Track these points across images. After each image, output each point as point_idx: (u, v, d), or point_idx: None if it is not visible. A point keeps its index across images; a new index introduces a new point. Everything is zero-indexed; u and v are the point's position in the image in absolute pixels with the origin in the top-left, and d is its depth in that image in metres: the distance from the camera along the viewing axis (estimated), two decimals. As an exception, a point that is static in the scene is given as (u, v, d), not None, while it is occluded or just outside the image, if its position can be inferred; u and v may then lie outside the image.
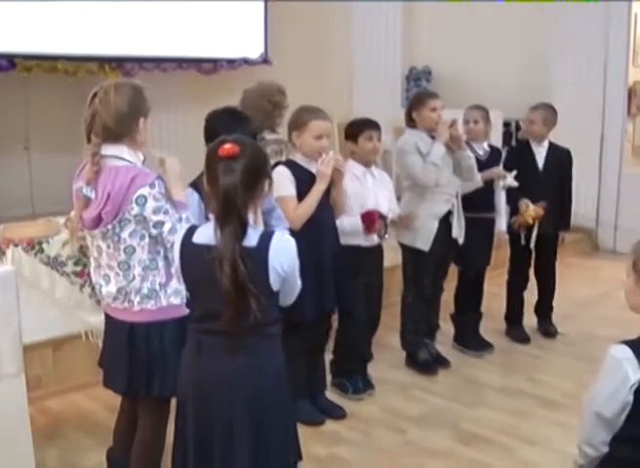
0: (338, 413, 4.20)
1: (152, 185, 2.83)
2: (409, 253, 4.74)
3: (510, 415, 4.28)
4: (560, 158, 5.36)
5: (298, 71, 8.27)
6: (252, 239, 2.44)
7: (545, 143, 5.33)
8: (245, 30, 8.09)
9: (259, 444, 2.54)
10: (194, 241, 2.51)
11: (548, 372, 4.91)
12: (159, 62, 7.41)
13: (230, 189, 2.38)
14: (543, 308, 5.61)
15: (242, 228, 2.40)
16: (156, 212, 2.84)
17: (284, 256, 2.48)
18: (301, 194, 3.77)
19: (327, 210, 3.89)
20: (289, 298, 2.64)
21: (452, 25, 8.89)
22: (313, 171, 3.81)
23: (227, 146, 2.41)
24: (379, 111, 8.32)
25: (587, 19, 7.89)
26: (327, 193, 3.85)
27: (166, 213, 2.85)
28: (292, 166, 3.84)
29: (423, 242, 4.62)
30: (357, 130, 4.32)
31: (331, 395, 4.38)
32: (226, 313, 2.41)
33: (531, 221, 5.15)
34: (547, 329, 5.58)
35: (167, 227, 2.85)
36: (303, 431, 3.93)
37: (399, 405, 4.39)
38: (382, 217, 4.22)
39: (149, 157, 3.02)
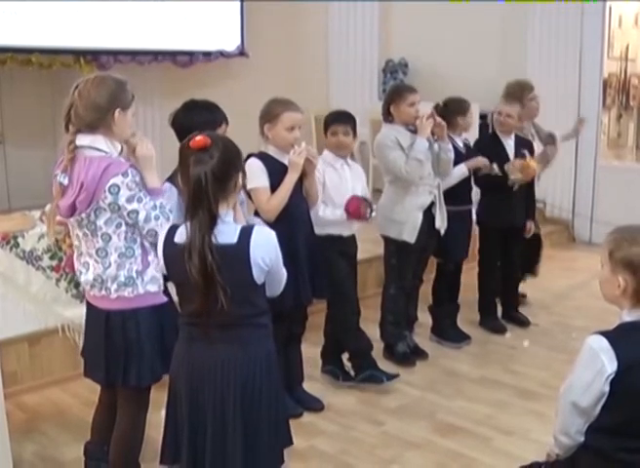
0: (315, 406, 4.21)
1: (125, 174, 2.84)
2: (393, 245, 4.75)
3: (487, 406, 4.30)
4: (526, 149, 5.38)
5: (274, 63, 8.28)
6: (231, 235, 2.46)
7: (512, 135, 5.36)
8: (221, 23, 8.06)
9: (250, 429, 2.58)
10: (175, 241, 2.53)
11: (525, 363, 4.94)
12: (135, 55, 7.37)
13: (200, 179, 2.40)
14: (510, 298, 5.67)
15: (211, 220, 2.42)
16: (130, 200, 2.85)
17: (265, 250, 2.50)
18: (274, 186, 3.76)
19: (300, 200, 3.89)
20: (276, 289, 2.69)
21: (428, 18, 8.88)
22: (285, 162, 3.81)
23: (198, 138, 2.44)
24: (355, 103, 8.38)
25: (563, 11, 7.92)
26: (300, 184, 3.86)
27: (140, 201, 2.87)
28: (264, 158, 3.83)
29: (410, 234, 4.64)
30: (325, 124, 4.34)
31: (322, 382, 4.44)
32: (195, 303, 2.45)
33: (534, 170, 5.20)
34: (519, 317, 5.64)
35: (142, 216, 2.87)
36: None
37: (377, 396, 4.39)
38: (365, 200, 4.23)
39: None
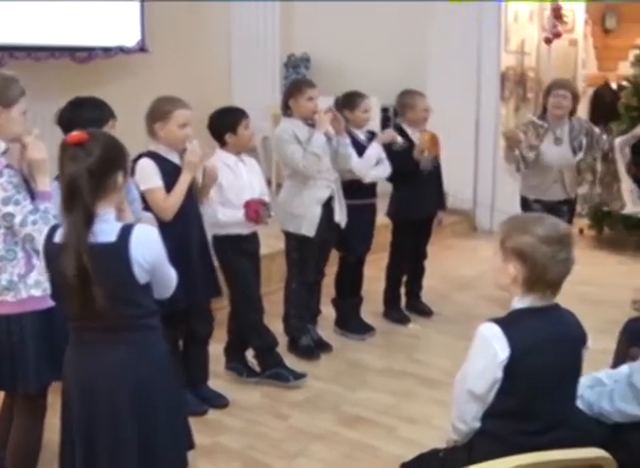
0: (220, 402, 4.19)
1: (0, 174, 2.75)
2: (294, 240, 4.76)
3: (392, 396, 4.36)
4: None
5: (176, 59, 8.17)
6: (110, 234, 2.41)
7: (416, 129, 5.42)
8: (121, 18, 7.90)
9: (145, 434, 2.53)
10: (55, 240, 2.47)
11: (428, 352, 5.02)
12: (31, 51, 7.15)
13: (75, 176, 2.36)
14: (415, 288, 5.75)
15: (87, 218, 2.37)
16: (5, 202, 2.77)
17: (146, 248, 2.46)
18: (167, 185, 3.72)
19: (192, 199, 3.85)
20: (165, 291, 2.63)
21: (331, 12, 8.92)
22: (176, 161, 3.79)
23: (74, 134, 2.39)
24: (257, 98, 8.35)
25: (461, 7, 8.04)
26: (191, 184, 3.81)
27: (17, 203, 2.78)
28: (155, 157, 3.78)
29: (308, 228, 4.65)
30: (226, 121, 4.29)
31: (226, 379, 4.43)
32: (71, 303, 2.40)
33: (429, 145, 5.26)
34: (421, 307, 5.72)
35: (18, 219, 2.78)
36: (187, 421, 3.92)
37: (282, 390, 4.40)
38: (263, 204, 4.22)
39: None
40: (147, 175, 3.64)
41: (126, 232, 2.43)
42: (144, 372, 2.53)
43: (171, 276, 2.64)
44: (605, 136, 5.53)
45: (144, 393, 2.53)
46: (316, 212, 4.66)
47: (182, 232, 3.67)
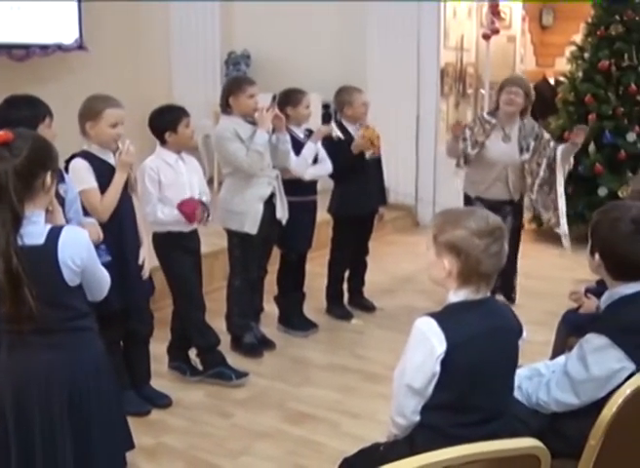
0: (163, 402, 4.17)
1: None
2: (236, 237, 4.74)
3: (336, 392, 4.38)
4: None
5: (115, 57, 8.07)
6: (38, 236, 2.38)
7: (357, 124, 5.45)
8: (59, 15, 7.78)
9: (81, 437, 2.52)
10: None
11: (371, 347, 5.06)
12: (-35, 49, 7.04)
13: (0, 176, 2.31)
14: (357, 284, 5.77)
15: (15, 220, 2.33)
16: None
17: (75, 250, 2.43)
18: (102, 186, 3.69)
19: (127, 199, 3.83)
20: (98, 292, 2.61)
21: (270, 9, 8.90)
22: (110, 161, 3.76)
23: (0, 133, 2.34)
24: (198, 96, 8.30)
25: (400, 3, 8.08)
26: (125, 183, 3.79)
27: None
28: (88, 157, 3.74)
29: (251, 225, 4.64)
30: (162, 121, 4.25)
31: (169, 378, 4.42)
32: (5, 307, 2.36)
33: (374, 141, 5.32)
34: (364, 303, 5.75)
35: None
36: (129, 422, 3.90)
37: (225, 389, 4.39)
38: (202, 204, 4.21)
39: None
40: (81, 175, 3.61)
41: (54, 235, 2.40)
42: (78, 374, 2.51)
43: (102, 278, 2.61)
44: (552, 144, 5.51)
45: (78, 395, 2.50)
46: (258, 209, 4.66)
47: (117, 232, 3.65)
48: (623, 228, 2.59)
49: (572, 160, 5.59)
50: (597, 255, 2.66)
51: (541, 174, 5.43)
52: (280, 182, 4.79)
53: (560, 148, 5.48)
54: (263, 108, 4.57)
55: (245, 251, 4.75)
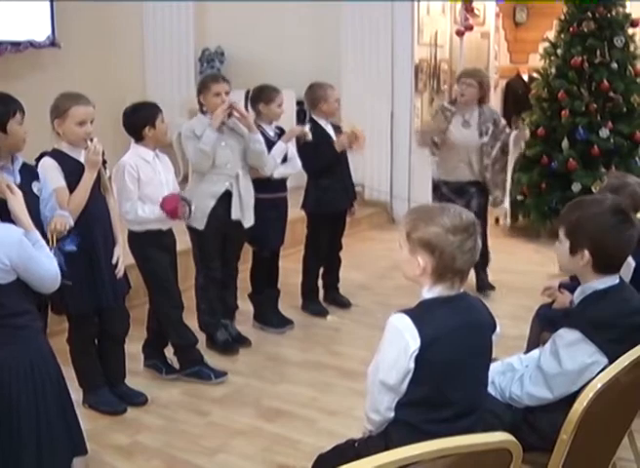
0: (139, 400, 4.16)
1: None
2: (193, 234, 4.76)
3: (312, 389, 4.39)
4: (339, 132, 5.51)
5: (88, 54, 8.03)
6: None
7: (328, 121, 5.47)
8: (31, 12, 7.72)
9: (7, 447, 2.49)
10: None
11: (347, 343, 5.07)
12: None
13: None
14: (333, 280, 5.79)
15: None
16: None
17: (6, 249, 2.43)
18: (72, 184, 3.67)
19: (98, 198, 3.81)
20: (43, 286, 2.60)
21: (244, 6, 8.88)
22: (80, 159, 3.74)
23: None
24: (172, 93, 8.28)
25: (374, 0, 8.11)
26: (97, 181, 3.77)
27: None
28: (58, 156, 3.72)
29: (198, 220, 4.63)
30: (141, 119, 4.23)
31: (145, 377, 4.41)
32: None
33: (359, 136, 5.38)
34: (339, 299, 5.77)
35: None
36: (105, 421, 3.90)
37: (201, 387, 4.38)
38: (182, 199, 4.21)
39: None
40: (49, 174, 3.57)
41: None
42: (11, 376, 2.49)
43: (44, 272, 2.59)
44: (507, 130, 5.98)
45: (9, 400, 2.48)
46: (208, 204, 4.64)
47: (85, 232, 3.61)
48: (609, 221, 2.62)
49: (522, 144, 6.43)
50: (586, 253, 2.66)
51: (494, 153, 5.84)
52: (239, 182, 4.72)
53: (513, 134, 6.16)
54: (221, 106, 4.55)
55: (201, 247, 4.76)
